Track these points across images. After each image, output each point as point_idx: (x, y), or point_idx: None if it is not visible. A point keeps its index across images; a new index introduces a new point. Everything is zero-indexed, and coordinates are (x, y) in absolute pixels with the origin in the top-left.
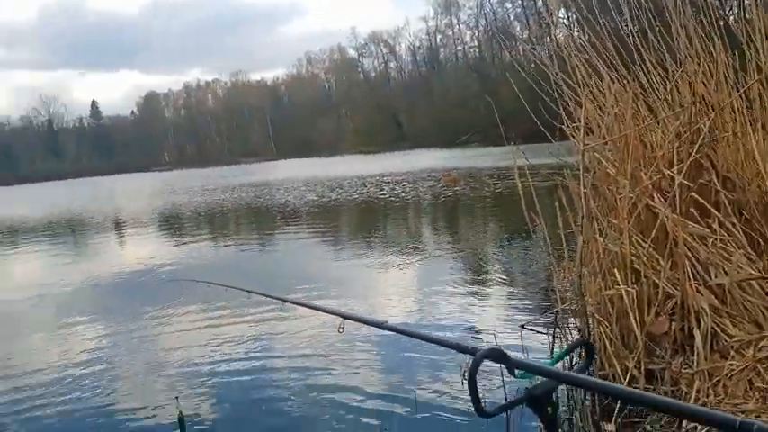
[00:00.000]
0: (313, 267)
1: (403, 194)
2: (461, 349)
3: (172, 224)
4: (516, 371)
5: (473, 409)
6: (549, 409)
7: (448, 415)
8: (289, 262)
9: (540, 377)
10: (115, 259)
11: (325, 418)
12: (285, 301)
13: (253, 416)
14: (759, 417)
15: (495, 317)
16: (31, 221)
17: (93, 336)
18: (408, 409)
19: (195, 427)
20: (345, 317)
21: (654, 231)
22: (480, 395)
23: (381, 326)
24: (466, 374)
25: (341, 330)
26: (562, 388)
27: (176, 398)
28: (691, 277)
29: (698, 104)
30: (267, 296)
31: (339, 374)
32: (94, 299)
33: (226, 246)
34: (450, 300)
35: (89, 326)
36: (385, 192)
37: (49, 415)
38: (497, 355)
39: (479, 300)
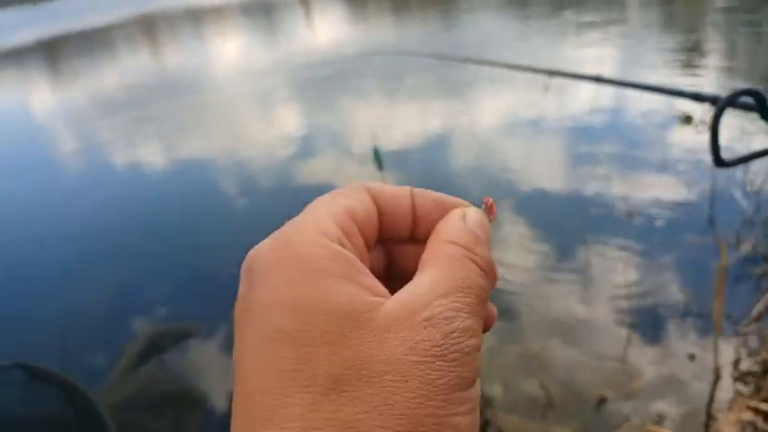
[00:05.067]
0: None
1: None
2: (700, 98)
3: None
4: None
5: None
6: None
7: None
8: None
9: None
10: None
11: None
12: (483, 63)
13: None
14: None
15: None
16: None
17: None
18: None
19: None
20: (552, 73)
21: None
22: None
23: (598, 79)
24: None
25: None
26: None
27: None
28: None
29: None
30: (464, 61)
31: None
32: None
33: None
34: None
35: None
36: None
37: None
38: (751, 96)
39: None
